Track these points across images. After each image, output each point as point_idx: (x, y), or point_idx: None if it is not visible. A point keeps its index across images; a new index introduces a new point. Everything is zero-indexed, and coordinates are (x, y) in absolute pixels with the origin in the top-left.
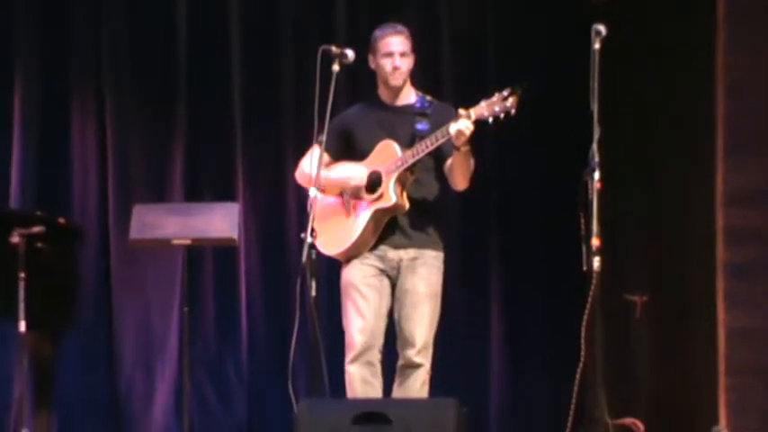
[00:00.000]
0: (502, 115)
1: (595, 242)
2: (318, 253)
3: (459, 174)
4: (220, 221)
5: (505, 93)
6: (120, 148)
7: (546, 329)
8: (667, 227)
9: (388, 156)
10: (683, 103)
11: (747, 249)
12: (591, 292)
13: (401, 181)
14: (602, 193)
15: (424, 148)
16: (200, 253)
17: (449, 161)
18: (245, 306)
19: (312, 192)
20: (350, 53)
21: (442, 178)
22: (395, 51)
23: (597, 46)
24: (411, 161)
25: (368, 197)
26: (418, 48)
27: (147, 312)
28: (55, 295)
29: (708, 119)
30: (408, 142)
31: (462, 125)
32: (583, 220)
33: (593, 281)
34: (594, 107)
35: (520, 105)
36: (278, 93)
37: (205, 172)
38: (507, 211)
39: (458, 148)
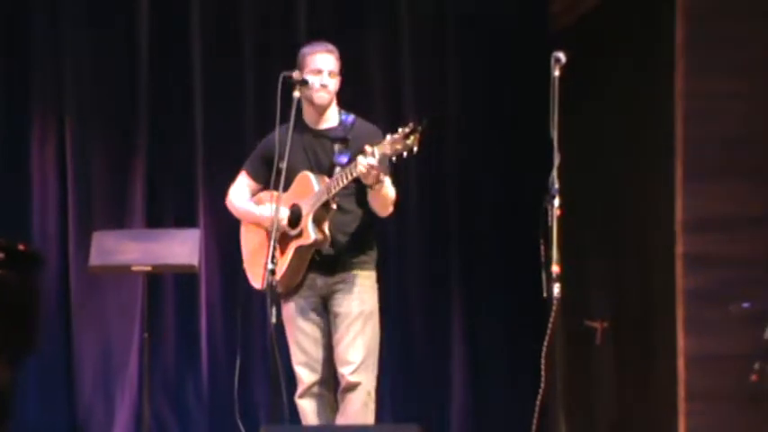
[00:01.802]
0: (405, 153)
1: (556, 269)
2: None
3: (377, 206)
4: (181, 248)
5: (407, 130)
6: (81, 175)
7: (507, 355)
8: (627, 253)
9: (306, 190)
10: (643, 130)
11: (706, 275)
12: (551, 319)
13: (319, 216)
14: (562, 220)
15: (335, 185)
16: (160, 279)
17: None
18: (206, 332)
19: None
20: (311, 80)
21: (365, 201)
22: (323, 69)
23: (557, 73)
24: (324, 198)
25: (290, 232)
26: (380, 79)
27: (107, 338)
28: (14, 321)
29: (667, 145)
30: (328, 171)
31: (365, 164)
32: (543, 247)
33: (554, 307)
34: (554, 134)
35: (421, 143)
36: (239, 119)
37: (166, 198)
38: (468, 237)
39: (371, 186)
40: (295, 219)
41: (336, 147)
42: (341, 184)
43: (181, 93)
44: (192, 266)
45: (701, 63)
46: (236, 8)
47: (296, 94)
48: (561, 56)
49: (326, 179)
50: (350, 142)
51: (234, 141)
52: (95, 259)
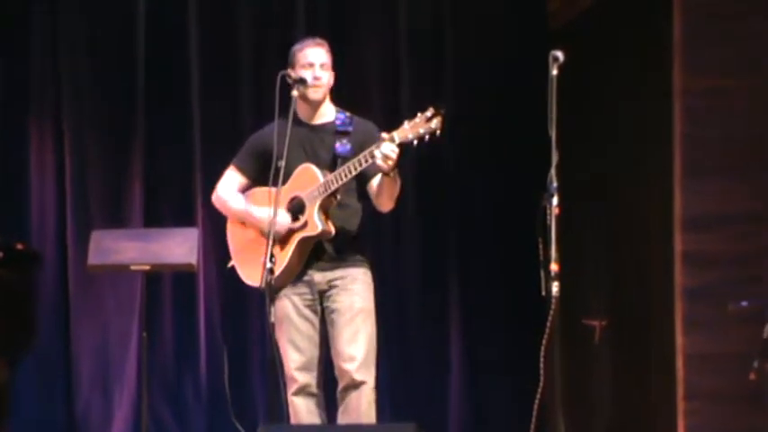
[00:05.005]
0: (427, 137)
1: (554, 267)
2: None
3: (387, 197)
4: (179, 247)
5: (429, 113)
6: (79, 173)
7: (505, 354)
8: (625, 252)
9: (309, 181)
10: (641, 127)
11: (705, 274)
12: (550, 317)
13: (325, 207)
14: (560, 219)
15: (347, 173)
16: (158, 278)
17: (374, 183)
18: (204, 331)
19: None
20: (303, 74)
21: (365, 197)
22: (315, 62)
23: (555, 72)
24: (334, 187)
25: (293, 225)
26: (377, 68)
27: (105, 337)
28: (12, 320)
29: (665, 143)
30: (329, 164)
31: (387, 150)
32: (541, 246)
33: (552, 306)
34: (552, 132)
35: (444, 125)
36: (237, 117)
37: (164, 197)
38: (466, 236)
39: (386, 174)
40: (296, 211)
41: (337, 138)
42: (352, 173)
43: (178, 93)
44: (190, 265)
45: (698, 60)
46: (234, 8)
47: (294, 93)
48: (559, 54)
49: (328, 172)
50: (351, 135)
51: (231, 141)
52: (94, 258)
